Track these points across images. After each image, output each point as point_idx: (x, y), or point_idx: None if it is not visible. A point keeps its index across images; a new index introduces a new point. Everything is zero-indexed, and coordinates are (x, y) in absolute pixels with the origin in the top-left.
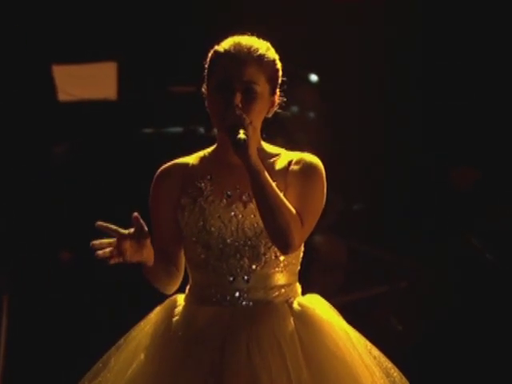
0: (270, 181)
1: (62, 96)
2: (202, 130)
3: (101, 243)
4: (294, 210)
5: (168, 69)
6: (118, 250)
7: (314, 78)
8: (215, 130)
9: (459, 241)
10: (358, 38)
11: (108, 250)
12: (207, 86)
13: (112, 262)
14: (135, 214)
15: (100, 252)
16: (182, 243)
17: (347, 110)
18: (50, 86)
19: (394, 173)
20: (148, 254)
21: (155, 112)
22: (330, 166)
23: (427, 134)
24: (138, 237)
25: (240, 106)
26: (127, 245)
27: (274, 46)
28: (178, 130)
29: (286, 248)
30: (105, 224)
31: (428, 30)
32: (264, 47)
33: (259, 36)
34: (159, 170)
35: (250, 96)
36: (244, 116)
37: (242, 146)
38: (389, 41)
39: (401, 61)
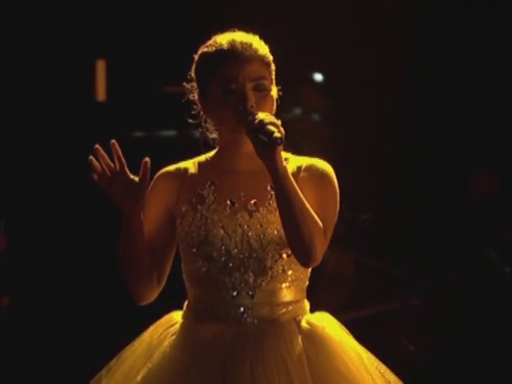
0: (296, 186)
1: None
2: (197, 133)
3: (103, 156)
4: (319, 220)
5: (161, 67)
6: (112, 179)
7: (318, 77)
8: (213, 135)
9: (476, 253)
10: (367, 38)
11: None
12: (206, 90)
13: (100, 184)
14: (146, 158)
15: (97, 164)
16: (170, 254)
17: (355, 113)
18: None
19: (405, 180)
20: (136, 212)
21: (147, 114)
22: (336, 172)
23: (441, 140)
24: (137, 186)
25: (254, 106)
26: (122, 182)
27: (274, 43)
28: (172, 133)
29: (307, 261)
30: (117, 146)
31: (439, 30)
32: (257, 40)
33: (256, 34)
34: (159, 172)
35: (261, 94)
36: (271, 116)
37: (276, 145)
38: (399, 42)
39: (413, 64)
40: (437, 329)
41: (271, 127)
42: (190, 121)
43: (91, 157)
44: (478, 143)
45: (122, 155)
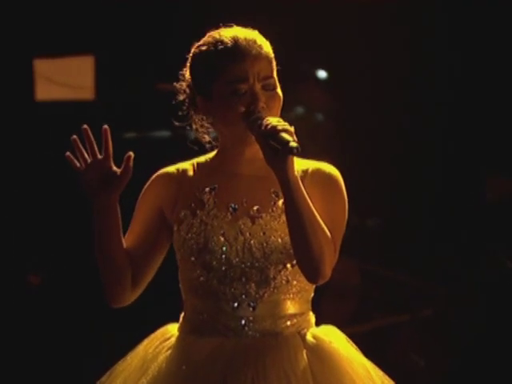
0: (307, 197)
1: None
2: (193, 134)
3: (88, 138)
4: (329, 234)
5: (154, 63)
6: (91, 166)
7: (322, 74)
8: (205, 136)
9: (491, 262)
10: (371, 37)
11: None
12: (209, 91)
13: (74, 167)
14: (130, 153)
15: (79, 145)
16: (153, 261)
17: (361, 111)
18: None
19: (415, 183)
20: (109, 206)
21: (139, 113)
22: (341, 175)
23: (453, 140)
24: (117, 178)
25: (265, 106)
26: (102, 171)
27: (275, 38)
28: (166, 133)
29: (316, 277)
30: (109, 133)
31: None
32: (259, 36)
33: (255, 30)
34: (157, 173)
35: (270, 93)
36: (283, 121)
37: (291, 155)
38: (404, 41)
39: (422, 61)
40: (449, 342)
41: (285, 135)
42: (177, 123)
43: (75, 136)
44: (488, 144)
45: (110, 144)
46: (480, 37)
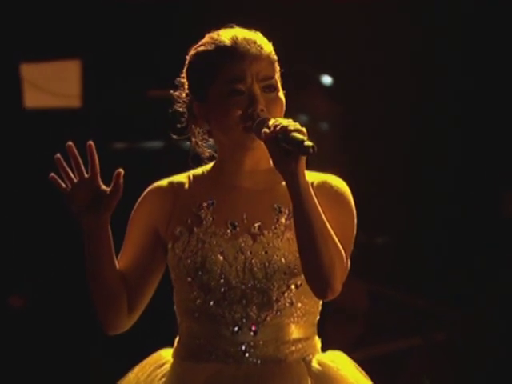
0: (319, 207)
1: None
2: (188, 144)
3: (74, 156)
4: (340, 246)
5: (146, 67)
6: (78, 186)
7: (327, 80)
8: (204, 152)
9: (509, 283)
10: (372, 38)
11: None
12: (206, 93)
13: (59, 188)
14: (120, 169)
15: (63, 164)
16: (150, 283)
17: (369, 121)
18: None
19: (427, 198)
20: (99, 228)
21: (129, 122)
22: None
23: (467, 150)
24: (107, 198)
25: (265, 109)
26: (89, 191)
27: (278, 43)
28: (158, 144)
29: (325, 293)
30: (94, 149)
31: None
32: (260, 37)
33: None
34: (150, 187)
35: (271, 95)
36: (293, 122)
37: (306, 155)
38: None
39: (422, 61)
40: (463, 368)
41: (298, 135)
42: (175, 137)
43: (58, 155)
44: (504, 155)
45: (97, 161)
46: (480, 37)
